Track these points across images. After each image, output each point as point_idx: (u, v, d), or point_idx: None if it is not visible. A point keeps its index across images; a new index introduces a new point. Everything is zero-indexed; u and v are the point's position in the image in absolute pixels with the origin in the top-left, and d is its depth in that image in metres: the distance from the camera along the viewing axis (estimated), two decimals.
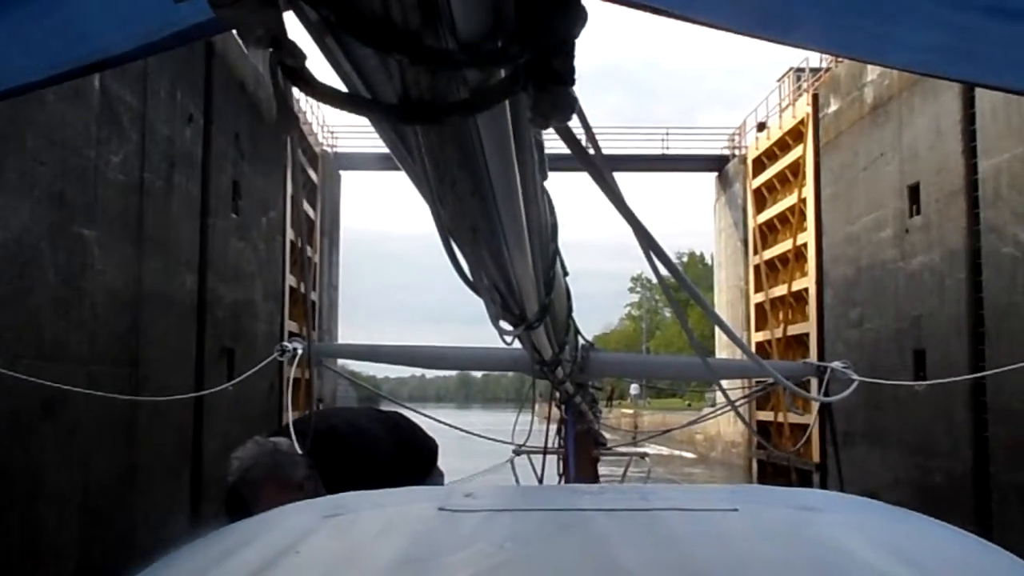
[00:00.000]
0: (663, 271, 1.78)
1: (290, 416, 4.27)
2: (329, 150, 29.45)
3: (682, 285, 1.97)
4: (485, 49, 1.05)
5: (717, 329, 30.69)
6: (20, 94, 2.00)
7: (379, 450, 3.85)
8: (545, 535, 1.54)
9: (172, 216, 13.66)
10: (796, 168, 23.51)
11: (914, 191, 17.08)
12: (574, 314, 4.43)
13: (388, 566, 1.36)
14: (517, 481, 7.55)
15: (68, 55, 1.77)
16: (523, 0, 1.02)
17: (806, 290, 22.74)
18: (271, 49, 0.99)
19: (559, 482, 6.63)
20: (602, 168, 1.49)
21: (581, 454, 6.69)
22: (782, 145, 24.95)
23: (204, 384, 14.93)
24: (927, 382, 15.69)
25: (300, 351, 5.25)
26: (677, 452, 37.91)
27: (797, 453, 23.04)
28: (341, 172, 31.04)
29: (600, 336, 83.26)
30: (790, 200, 23.89)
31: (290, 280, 22.68)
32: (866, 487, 18.39)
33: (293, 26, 1.00)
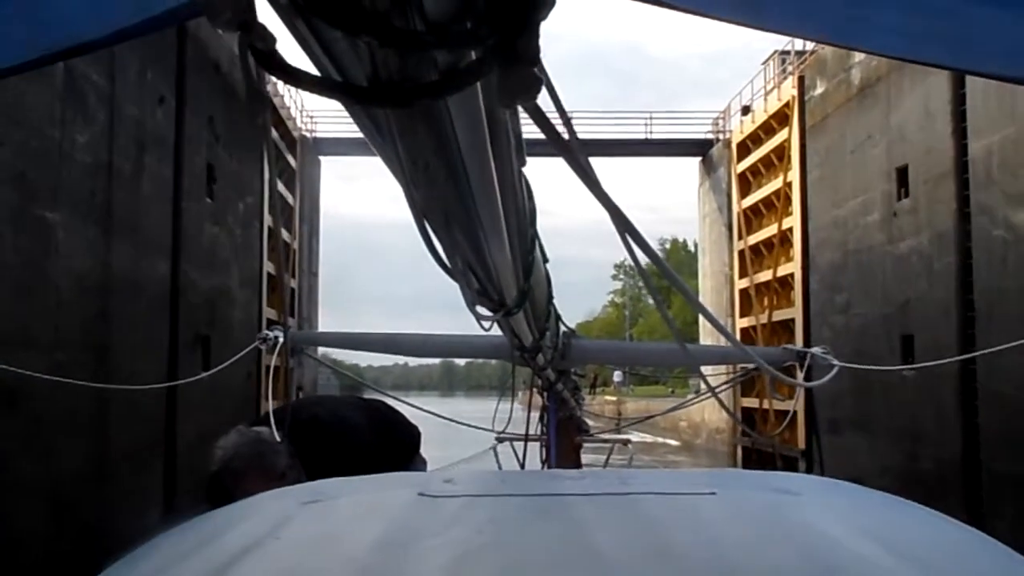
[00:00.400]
0: (641, 257, 1.73)
1: (270, 405, 4.30)
2: (308, 135, 28.99)
3: (658, 267, 1.91)
4: (454, 30, 1.05)
5: (700, 321, 30.73)
6: None
7: (361, 438, 3.87)
8: (524, 520, 1.55)
9: (143, 200, 13.24)
10: (781, 152, 23.22)
11: (902, 173, 16.80)
12: (556, 301, 4.39)
13: (367, 551, 1.36)
14: (500, 468, 7.54)
15: (35, 42, 1.72)
16: None
17: (791, 275, 22.48)
18: (240, 32, 0.99)
19: (542, 468, 6.67)
20: (576, 152, 1.45)
21: (564, 441, 6.73)
22: (767, 129, 24.66)
23: (178, 373, 14.58)
24: (910, 367, 15.42)
25: (281, 339, 5.26)
26: (661, 439, 37.70)
27: (782, 440, 22.89)
28: (321, 158, 30.58)
29: (583, 324, 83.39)
30: (775, 184, 23.62)
31: (268, 267, 22.26)
32: (852, 474, 17.87)
33: (263, 9, 1.01)
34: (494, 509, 1.62)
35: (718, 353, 6.83)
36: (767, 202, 24.60)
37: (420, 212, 1.79)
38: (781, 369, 5.20)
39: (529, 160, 1.96)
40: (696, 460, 30.58)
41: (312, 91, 1.08)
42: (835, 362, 5.44)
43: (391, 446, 4.06)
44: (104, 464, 11.76)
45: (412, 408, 5.55)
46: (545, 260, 3.33)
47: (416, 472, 3.50)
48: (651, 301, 76.46)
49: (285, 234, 24.92)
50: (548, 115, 1.32)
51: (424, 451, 4.38)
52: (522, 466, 7.14)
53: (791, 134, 22.35)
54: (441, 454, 6.14)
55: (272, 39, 1.01)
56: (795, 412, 21.93)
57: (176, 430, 14.61)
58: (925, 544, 1.53)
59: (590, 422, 9.93)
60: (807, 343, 21.31)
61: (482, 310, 2.93)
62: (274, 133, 23.39)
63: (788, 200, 22.72)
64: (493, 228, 1.98)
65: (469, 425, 7.14)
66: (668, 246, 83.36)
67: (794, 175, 22.16)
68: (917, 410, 15.89)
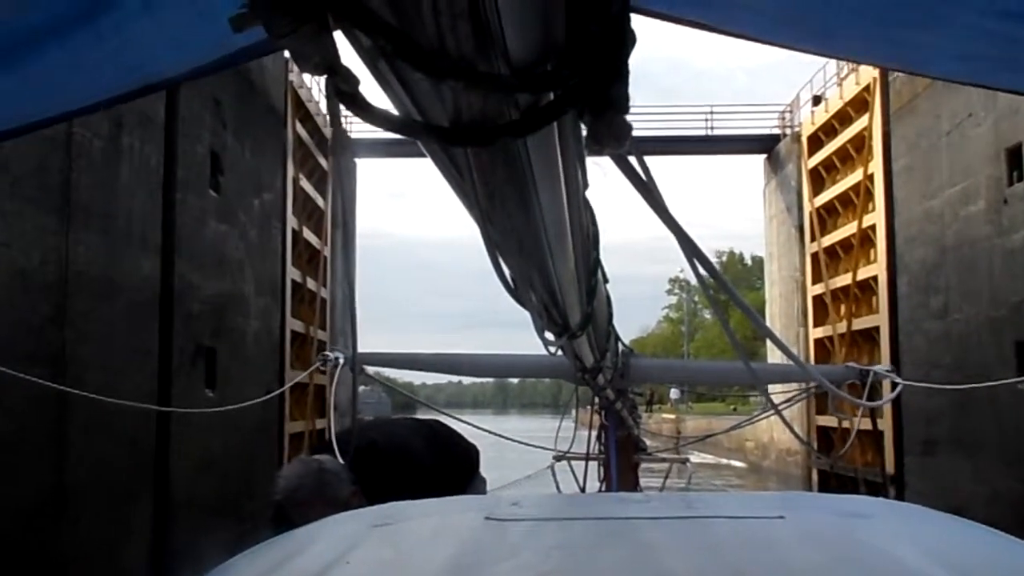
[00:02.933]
0: (705, 275, 1.81)
1: (332, 431, 4.25)
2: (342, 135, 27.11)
3: (727, 292, 1.94)
4: (537, 72, 1.09)
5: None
6: (73, 118, 1.17)
7: (420, 461, 3.90)
8: (592, 543, 1.57)
9: (120, 185, 11.26)
10: (860, 142, 20.77)
11: (1014, 154, 14.37)
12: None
13: (437, 574, 1.38)
14: (558, 487, 7.60)
15: (122, 80, 1.80)
16: (573, 23, 1.04)
17: (875, 278, 19.97)
18: (326, 75, 1.01)
19: (600, 488, 6.80)
20: (648, 182, 1.51)
21: (622, 461, 6.71)
22: (842, 118, 22.21)
23: (172, 389, 12.60)
24: (995, 382, 12.94)
25: (342, 359, 5.23)
26: (724, 460, 35.17)
27: (864, 462, 20.42)
28: (356, 160, 28.65)
29: (637, 340, 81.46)
30: (854, 178, 21.15)
31: (293, 273, 20.33)
32: (953, 503, 15.73)
33: (345, 50, 1.02)
34: (561, 533, 1.62)
35: (782, 371, 6.48)
36: (844, 198, 22.11)
37: (494, 245, 1.89)
38: (851, 386, 5.40)
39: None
40: (764, 484, 28.03)
41: (396, 131, 1.13)
42: (899, 380, 5.71)
43: (451, 467, 4.05)
44: (64, 496, 9.75)
45: (469, 427, 5.63)
46: (605, 281, 3.33)
47: (482, 496, 3.53)
48: (708, 315, 75.03)
49: (315, 240, 22.97)
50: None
51: (483, 469, 4.37)
52: (583, 486, 7.17)
53: (872, 121, 19.90)
54: (498, 474, 6.06)
55: (356, 81, 1.03)
56: (880, 432, 19.66)
57: (170, 455, 12.60)
58: (996, 570, 1.48)
59: (648, 441, 9.86)
60: (895, 353, 18.96)
61: (547, 335, 3.06)
62: (302, 132, 21.53)
63: (869, 195, 20.26)
64: (562, 255, 2.05)
65: (529, 444, 7.26)
66: (725, 259, 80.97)
67: (876, 166, 19.71)
68: None
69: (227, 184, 15.39)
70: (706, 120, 28.67)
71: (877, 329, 19.84)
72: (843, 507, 1.92)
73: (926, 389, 13.85)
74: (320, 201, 23.68)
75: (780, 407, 5.59)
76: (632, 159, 1.46)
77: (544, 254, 2.01)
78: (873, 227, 20.02)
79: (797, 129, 25.75)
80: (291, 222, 20.20)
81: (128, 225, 11.48)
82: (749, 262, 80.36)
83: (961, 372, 15.58)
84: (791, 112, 26.88)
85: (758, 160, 29.00)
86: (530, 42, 1.05)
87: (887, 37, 1.38)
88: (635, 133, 1.18)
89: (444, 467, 3.95)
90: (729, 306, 2.61)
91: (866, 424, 7.27)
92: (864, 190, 20.42)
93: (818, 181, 23.92)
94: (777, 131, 27.56)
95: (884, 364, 19.34)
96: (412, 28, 0.99)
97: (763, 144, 27.91)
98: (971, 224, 15.65)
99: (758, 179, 29.28)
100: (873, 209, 20.04)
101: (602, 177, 1.52)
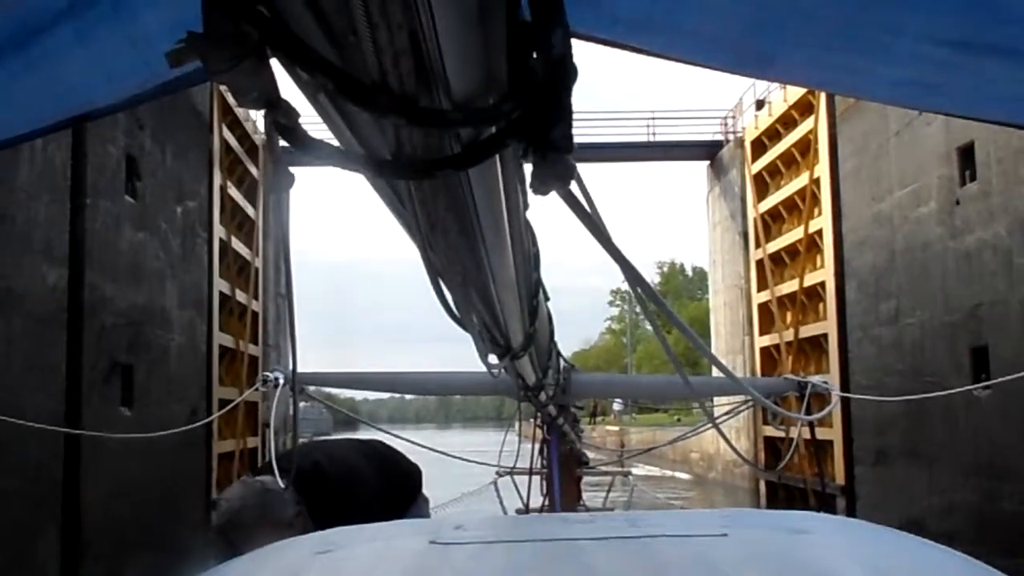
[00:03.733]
0: (644, 296, 1.88)
1: (272, 453, 4.45)
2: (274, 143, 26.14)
3: (666, 314, 2.00)
4: (478, 107, 1.10)
5: (714, 342, 27.79)
6: (5, 148, 2.22)
7: (367, 485, 3.83)
8: (536, 566, 1.60)
9: (18, 186, 10.30)
10: (806, 145, 20.33)
11: (966, 153, 13.94)
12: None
13: None
14: (501, 503, 8.08)
15: (53, 109, 1.84)
16: (515, 58, 1.04)
17: (822, 284, 19.50)
18: (265, 109, 1.01)
19: (543, 503, 6.96)
20: (591, 212, 1.49)
21: (564, 475, 6.72)
22: (786, 121, 21.81)
23: (82, 408, 11.64)
24: (938, 393, 12.45)
25: (281, 380, 5.17)
26: (669, 472, 34.63)
27: (813, 473, 19.94)
28: (292, 170, 27.67)
29: (580, 352, 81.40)
30: (799, 182, 20.72)
31: (221, 285, 19.34)
32: (909, 515, 15.19)
33: (285, 82, 1.03)
34: (506, 556, 1.64)
35: (720, 385, 6.46)
36: (789, 203, 21.68)
37: (436, 272, 1.90)
38: (778, 399, 5.55)
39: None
40: (709, 498, 27.49)
41: (337, 164, 1.14)
42: (836, 391, 6.09)
43: (395, 489, 3.98)
44: None
45: (412, 445, 5.64)
46: (546, 299, 3.30)
47: (426, 519, 3.53)
48: (649, 327, 74.72)
49: (245, 250, 21.99)
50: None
51: (425, 484, 4.31)
52: (526, 503, 7.31)
53: (817, 124, 19.48)
54: (441, 491, 6.12)
55: (296, 115, 1.03)
56: (822, 443, 19.18)
57: (81, 481, 11.64)
58: None
59: (591, 454, 9.83)
60: (843, 361, 18.50)
61: (490, 357, 3.05)
62: (230, 138, 20.59)
63: (815, 199, 19.81)
64: (504, 279, 2.06)
65: (471, 461, 7.39)
66: (666, 269, 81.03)
67: (822, 170, 19.27)
68: (996, 437, 12.93)
69: (145, 189, 14.44)
70: (648, 126, 28.21)
71: (825, 336, 19.38)
72: (786, 523, 1.95)
73: (917, 396, 13.29)
74: (251, 211, 22.71)
75: (718, 420, 5.63)
76: (574, 186, 1.36)
77: (486, 279, 2.02)
78: (820, 232, 19.58)
79: (740, 134, 25.35)
80: (219, 231, 19.24)
81: (29, 231, 10.53)
82: (690, 273, 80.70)
83: (915, 379, 15.13)
84: (734, 117, 26.50)
85: (701, 168, 28.62)
86: (472, 77, 1.06)
87: (826, 63, 1.40)
88: (575, 140, 1.12)
89: (388, 488, 3.91)
90: (668, 322, 2.38)
91: (814, 435, 7.27)
92: (810, 194, 19.98)
93: (762, 186, 23.50)
94: (720, 137, 27.16)
95: (832, 372, 19.19)
96: (352, 65, 0.99)
97: (706, 150, 27.48)
98: (922, 227, 15.22)
99: (700, 188, 28.89)
100: (820, 214, 19.60)
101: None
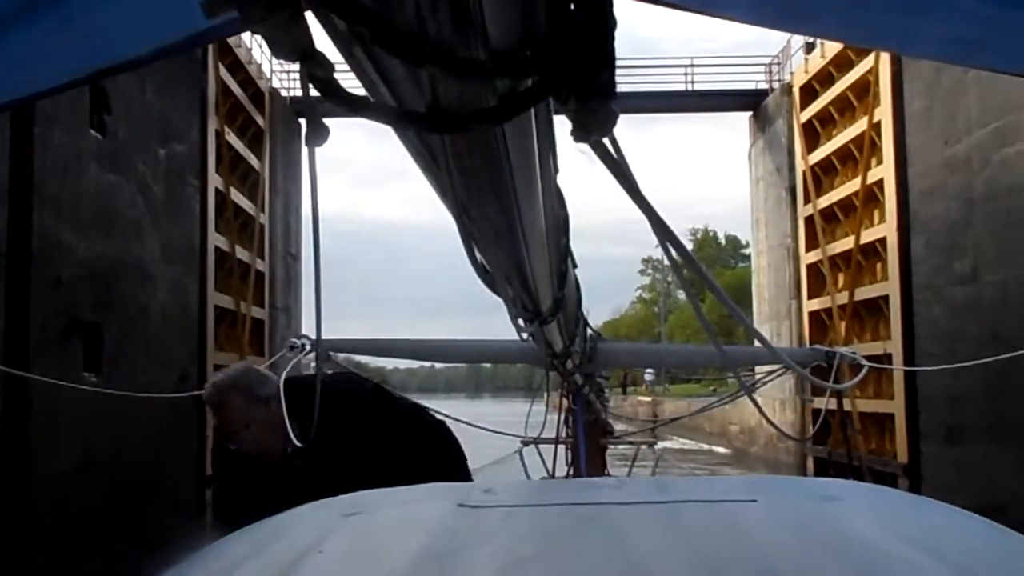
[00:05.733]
0: (677, 257, 1.81)
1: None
2: (284, 92, 24.38)
3: (698, 275, 1.96)
4: (516, 58, 1.08)
5: (755, 306, 25.84)
6: (39, 99, 2.13)
7: (363, 397, 3.73)
8: (565, 530, 1.58)
9: None
10: (864, 87, 18.25)
11: None
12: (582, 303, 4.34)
13: (412, 563, 1.39)
14: (526, 472, 8.16)
15: (86, 62, 1.79)
16: (554, 6, 1.03)
17: (882, 241, 17.50)
18: (300, 62, 1.00)
19: (568, 471, 7.15)
20: (622, 164, 1.44)
21: (590, 444, 6.77)
22: (840, 63, 19.70)
23: (31, 372, 9.93)
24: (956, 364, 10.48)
25: (308, 346, 5.10)
26: (706, 446, 32.77)
27: (870, 451, 18.06)
28: (302, 121, 25.92)
29: (610, 322, 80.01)
30: (856, 129, 18.65)
31: (217, 240, 17.62)
32: (988, 500, 13.32)
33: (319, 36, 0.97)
34: (534, 520, 1.64)
35: (751, 353, 6.51)
36: (844, 153, 19.61)
37: (470, 235, 1.94)
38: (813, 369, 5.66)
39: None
40: (752, 473, 25.65)
41: (372, 118, 1.10)
42: (864, 362, 5.71)
43: (402, 424, 3.73)
44: None
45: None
46: (574, 266, 3.31)
47: (453, 483, 2.98)
48: (682, 295, 73.49)
49: (248, 205, 20.26)
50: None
51: None
52: (552, 471, 7.59)
53: (878, 62, 17.35)
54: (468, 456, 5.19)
55: (331, 67, 1.02)
56: (885, 417, 17.33)
57: (30, 458, 9.99)
58: (969, 550, 1.51)
59: (621, 425, 10.12)
60: (907, 325, 16.52)
61: (519, 321, 3.17)
62: (230, 81, 18.84)
63: (875, 146, 17.77)
64: (536, 242, 2.07)
65: (495, 431, 7.38)
66: (699, 236, 78.89)
67: (884, 113, 17.21)
68: None
69: (117, 125, 12.66)
70: (685, 74, 26.15)
71: (885, 299, 17.37)
72: (815, 490, 1.95)
73: (953, 366, 11.38)
74: (255, 162, 20.95)
75: (751, 388, 5.65)
76: (606, 140, 1.32)
77: (519, 242, 2.02)
78: (880, 183, 17.54)
79: (787, 80, 23.24)
80: (215, 181, 17.51)
81: None
82: (723, 241, 78.70)
83: (995, 345, 13.14)
84: (779, 63, 24.37)
85: (739, 123, 26.56)
86: (510, 27, 1.04)
87: (871, 22, 1.39)
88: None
89: (394, 417, 3.71)
90: (703, 287, 2.24)
91: (841, 406, 7.49)
92: (869, 141, 17.92)
93: (812, 136, 21.42)
94: (764, 85, 25.06)
95: (894, 338, 17.27)
96: (391, 13, 0.97)
97: (749, 99, 25.38)
98: (1008, 170, 13.19)
99: (735, 148, 26.82)
100: (880, 162, 17.55)
101: (588, 164, 1.50)
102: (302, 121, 26.21)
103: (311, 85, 1.02)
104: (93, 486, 11.51)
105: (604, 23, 0.99)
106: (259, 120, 21.51)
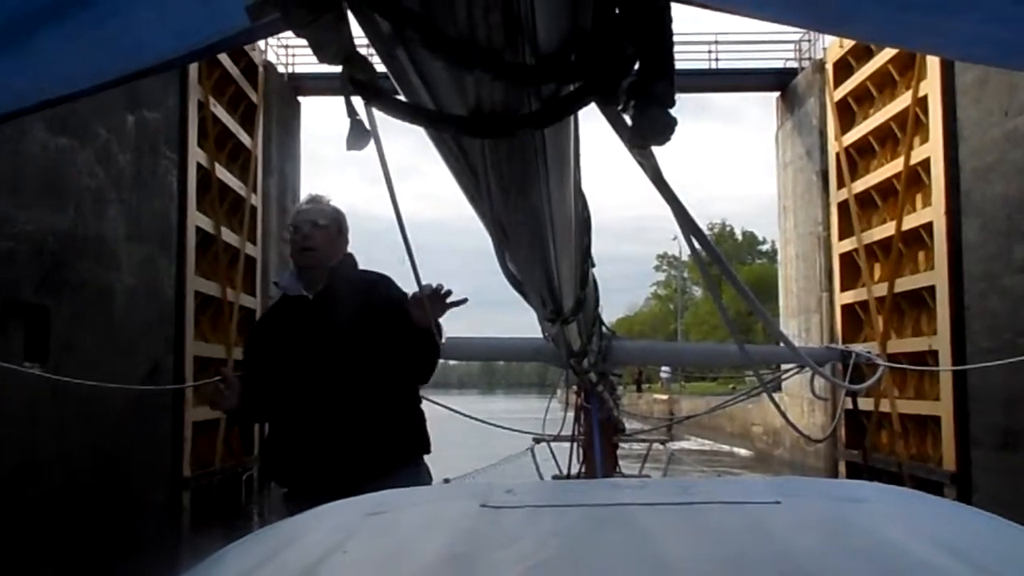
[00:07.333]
0: (700, 249, 1.74)
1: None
2: (282, 67, 22.92)
3: (721, 269, 1.84)
4: (563, 62, 1.07)
5: (782, 300, 24.22)
6: (68, 101, 1.96)
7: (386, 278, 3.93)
8: (589, 531, 1.56)
9: None
10: (906, 59, 16.63)
11: None
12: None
13: (435, 564, 1.38)
14: (538, 469, 8.32)
15: (118, 64, 1.79)
16: (600, 11, 1.02)
17: (928, 226, 15.88)
18: (343, 65, 1.01)
19: (579, 470, 7.30)
20: (650, 155, 1.41)
21: (602, 442, 6.78)
22: None
23: None
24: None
25: None
26: (726, 447, 31.12)
27: (910, 457, 16.48)
28: (301, 99, 24.46)
29: (624, 319, 78.45)
30: (898, 105, 17.04)
31: (198, 220, 16.14)
32: None
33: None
34: (558, 520, 1.61)
35: (769, 352, 6.56)
36: (883, 132, 18.00)
37: (500, 235, 1.92)
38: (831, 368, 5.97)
39: None
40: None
41: (413, 122, 1.10)
42: (880, 362, 5.74)
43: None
44: None
45: (452, 413, 6.36)
46: (592, 266, 3.30)
47: (475, 483, 3.46)
48: (698, 292, 72.12)
49: (237, 184, 18.81)
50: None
51: (464, 449, 4.51)
52: (566, 469, 7.52)
53: None
54: (480, 453, 6.55)
55: (373, 71, 1.03)
56: (930, 420, 15.75)
57: None
58: (997, 555, 1.44)
59: (638, 424, 10.61)
60: (957, 318, 14.93)
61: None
62: (223, 55, 17.35)
63: (920, 123, 16.17)
64: (563, 242, 2.08)
65: (507, 428, 7.71)
66: (716, 230, 77.18)
67: (931, 85, 15.60)
68: None
69: None
70: (709, 52, 24.54)
71: (931, 290, 15.76)
72: (840, 492, 1.94)
73: (1009, 364, 9.79)
74: (246, 139, 19.49)
75: (769, 385, 5.76)
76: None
77: (548, 244, 2.01)
78: (926, 162, 15.91)
79: (820, 57, 21.61)
80: (196, 155, 16.02)
81: None
82: (740, 237, 77.03)
83: None
84: (810, 40, 22.74)
85: (758, 114, 24.93)
86: (559, 32, 1.03)
87: (904, 21, 1.34)
88: None
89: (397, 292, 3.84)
90: (722, 283, 2.32)
91: (856, 406, 7.83)
92: (913, 117, 16.31)
93: (847, 115, 19.79)
94: (793, 64, 23.44)
95: (941, 333, 15.62)
96: (441, 17, 0.97)
97: (776, 78, 23.77)
98: None
99: (753, 148, 25.26)
100: (925, 140, 15.93)
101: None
102: (301, 99, 24.88)
103: (353, 88, 1.02)
104: (37, 493, 10.08)
105: (665, 30, 1.00)
106: (251, 95, 20.04)
